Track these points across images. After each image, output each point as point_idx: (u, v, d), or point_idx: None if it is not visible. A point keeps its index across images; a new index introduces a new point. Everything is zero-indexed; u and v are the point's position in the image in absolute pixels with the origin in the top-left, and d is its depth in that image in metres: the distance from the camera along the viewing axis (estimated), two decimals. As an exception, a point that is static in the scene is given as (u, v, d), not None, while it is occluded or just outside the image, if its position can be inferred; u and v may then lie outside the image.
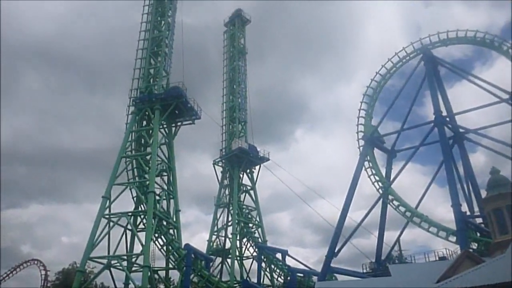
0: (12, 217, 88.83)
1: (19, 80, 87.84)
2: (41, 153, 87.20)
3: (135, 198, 36.89)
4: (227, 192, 49.51)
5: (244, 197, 49.93)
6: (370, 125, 36.81)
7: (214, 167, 49.88)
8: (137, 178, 37.00)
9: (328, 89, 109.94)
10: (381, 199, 33.79)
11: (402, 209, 32.46)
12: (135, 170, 37.25)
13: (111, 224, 34.59)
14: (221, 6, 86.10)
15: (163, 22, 42.55)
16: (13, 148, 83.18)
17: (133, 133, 38.28)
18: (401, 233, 35.83)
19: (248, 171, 50.43)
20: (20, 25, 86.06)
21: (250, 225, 48.69)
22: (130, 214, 35.72)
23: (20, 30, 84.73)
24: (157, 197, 36.18)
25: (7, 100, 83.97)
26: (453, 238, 29.13)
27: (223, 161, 49.66)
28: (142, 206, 36.38)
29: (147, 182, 35.92)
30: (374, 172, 35.07)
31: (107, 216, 34.64)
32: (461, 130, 34.16)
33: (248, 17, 57.44)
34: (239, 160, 48.12)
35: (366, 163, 35.52)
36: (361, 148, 36.05)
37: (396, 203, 32.85)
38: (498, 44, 32.92)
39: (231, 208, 47.41)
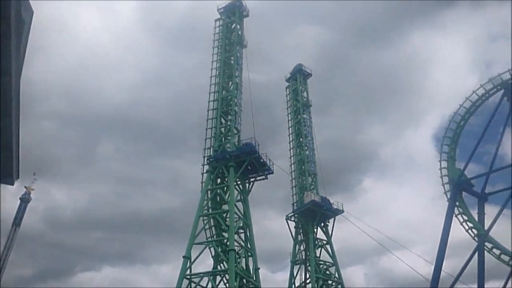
0: (85, 279, 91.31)
1: (95, 148, 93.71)
2: (115, 217, 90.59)
3: (213, 257, 36.46)
4: (302, 248, 47.97)
5: (320, 252, 48.02)
6: (455, 168, 34.73)
7: (287, 222, 48.82)
8: (215, 237, 36.78)
9: (397, 136, 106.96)
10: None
11: (505, 257, 29.56)
12: (212, 228, 37.15)
13: (193, 285, 34.08)
14: (283, 62, 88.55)
15: (230, 82, 44.01)
16: (89, 214, 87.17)
17: (209, 192, 38.60)
18: (505, 284, 32.37)
19: (322, 224, 48.86)
20: (99, 96, 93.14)
21: (330, 282, 46.30)
22: (211, 274, 35.15)
23: (99, 101, 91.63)
24: (236, 255, 35.52)
25: (84, 167, 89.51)
26: None
27: (296, 215, 48.58)
28: (221, 265, 35.82)
29: (225, 240, 35.57)
30: (466, 218, 32.59)
31: (189, 277, 34.26)
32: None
33: (309, 71, 58.27)
34: (312, 214, 46.85)
35: (455, 210, 33.27)
36: (448, 193, 33.91)
37: (497, 251, 30.02)
38: None
39: (308, 264, 45.60)
